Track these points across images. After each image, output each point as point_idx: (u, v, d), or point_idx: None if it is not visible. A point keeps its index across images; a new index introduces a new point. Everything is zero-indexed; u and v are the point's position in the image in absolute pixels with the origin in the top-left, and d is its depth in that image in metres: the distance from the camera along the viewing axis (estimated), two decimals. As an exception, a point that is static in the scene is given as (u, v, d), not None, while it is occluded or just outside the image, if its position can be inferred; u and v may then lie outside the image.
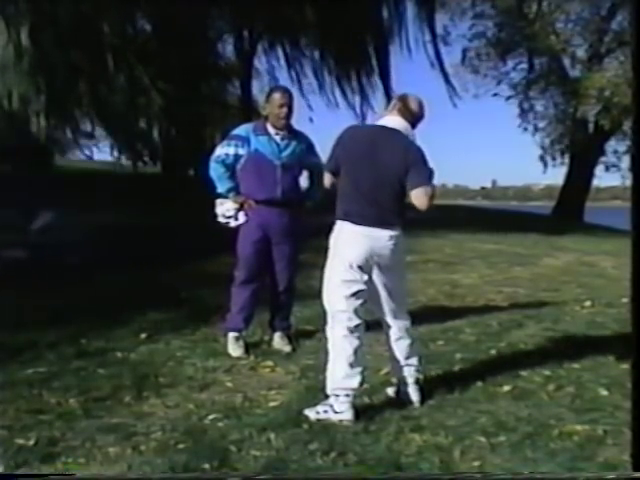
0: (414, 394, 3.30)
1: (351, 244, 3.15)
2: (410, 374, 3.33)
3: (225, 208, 4.20)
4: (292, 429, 2.91)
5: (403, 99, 3.33)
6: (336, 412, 3.05)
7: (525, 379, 3.67)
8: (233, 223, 4.20)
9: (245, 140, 4.14)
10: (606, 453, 2.73)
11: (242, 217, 4.18)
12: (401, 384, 3.35)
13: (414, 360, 3.35)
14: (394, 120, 3.27)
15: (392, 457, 2.66)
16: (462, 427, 2.97)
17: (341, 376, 3.10)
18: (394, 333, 3.34)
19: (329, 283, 3.22)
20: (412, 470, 2.57)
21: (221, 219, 4.23)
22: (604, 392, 3.47)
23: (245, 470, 2.55)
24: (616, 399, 3.31)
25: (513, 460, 2.66)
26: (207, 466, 2.55)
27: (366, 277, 3.18)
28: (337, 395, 3.08)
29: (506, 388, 3.50)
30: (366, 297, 3.21)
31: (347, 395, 3.08)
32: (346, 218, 3.18)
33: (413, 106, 3.30)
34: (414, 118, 3.32)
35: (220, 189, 4.23)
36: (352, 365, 3.10)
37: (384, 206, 3.19)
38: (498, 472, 2.58)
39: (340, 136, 3.30)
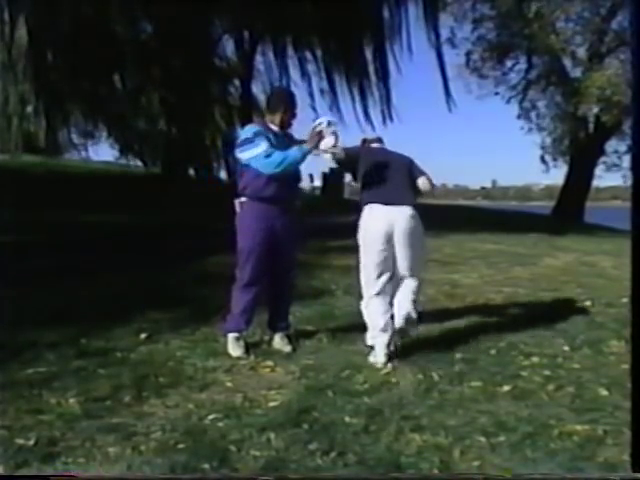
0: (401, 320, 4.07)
1: (378, 219, 3.95)
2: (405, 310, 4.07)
3: (325, 144, 4.02)
4: (292, 429, 2.91)
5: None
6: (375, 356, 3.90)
7: (525, 379, 3.67)
8: (338, 150, 4.06)
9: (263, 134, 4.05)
10: (606, 453, 2.73)
11: (331, 139, 4.02)
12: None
13: (409, 304, 4.08)
14: None
15: (392, 457, 2.66)
16: (462, 427, 2.97)
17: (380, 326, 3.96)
18: (402, 286, 4.10)
19: (365, 269, 4.04)
20: (412, 470, 2.57)
21: (326, 154, 4.09)
22: (604, 392, 3.47)
23: (245, 470, 2.55)
24: (616, 399, 3.31)
25: (513, 460, 2.67)
26: (207, 466, 2.55)
27: (389, 247, 3.94)
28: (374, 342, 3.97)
29: (506, 388, 3.50)
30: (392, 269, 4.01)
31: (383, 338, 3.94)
32: (372, 200, 4.01)
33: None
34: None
35: (299, 154, 4.03)
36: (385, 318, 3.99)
37: (398, 188, 4.04)
38: (498, 473, 2.58)
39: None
